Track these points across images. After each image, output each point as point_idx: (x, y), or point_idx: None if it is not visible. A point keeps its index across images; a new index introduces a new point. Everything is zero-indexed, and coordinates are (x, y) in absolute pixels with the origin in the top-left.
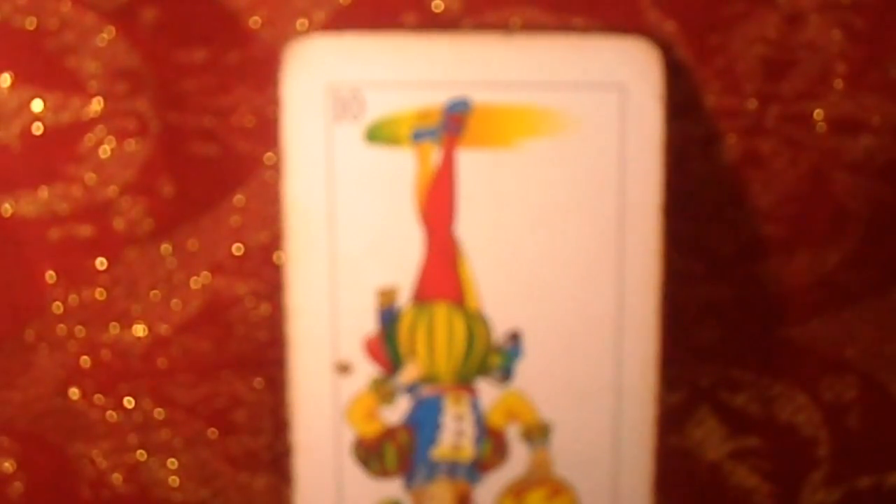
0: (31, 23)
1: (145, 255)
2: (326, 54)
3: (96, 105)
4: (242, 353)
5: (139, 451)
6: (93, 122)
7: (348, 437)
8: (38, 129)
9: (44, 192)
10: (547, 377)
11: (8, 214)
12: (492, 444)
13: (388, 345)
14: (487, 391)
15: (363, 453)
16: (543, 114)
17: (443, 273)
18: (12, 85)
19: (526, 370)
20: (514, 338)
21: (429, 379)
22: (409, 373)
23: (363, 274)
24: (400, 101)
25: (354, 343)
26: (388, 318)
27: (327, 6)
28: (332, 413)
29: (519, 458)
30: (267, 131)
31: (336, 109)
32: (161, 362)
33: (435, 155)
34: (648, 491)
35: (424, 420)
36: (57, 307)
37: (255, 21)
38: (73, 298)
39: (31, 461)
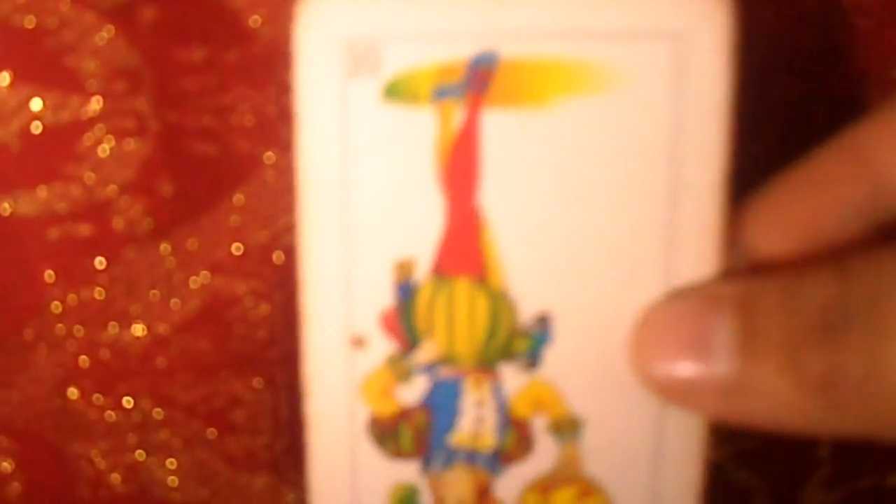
0: (29, 21)
1: (144, 255)
2: (340, 6)
3: (95, 104)
4: (242, 352)
5: (138, 451)
6: (92, 122)
7: (363, 414)
8: (36, 128)
9: (42, 192)
10: (579, 367)
11: (6, 214)
12: (515, 435)
13: (404, 320)
14: (512, 377)
15: (378, 432)
16: (582, 68)
17: (464, 246)
18: (11, 84)
19: (555, 357)
20: (543, 321)
21: (448, 359)
22: (427, 351)
23: (380, 244)
24: (420, 55)
25: (370, 317)
26: (406, 291)
27: None
28: (346, 389)
29: (545, 453)
30: (267, 131)
31: (350, 65)
32: (160, 362)
33: (458, 115)
34: (695, 501)
35: (442, 403)
36: (56, 307)
37: (255, 20)
38: (71, 298)
39: (29, 461)
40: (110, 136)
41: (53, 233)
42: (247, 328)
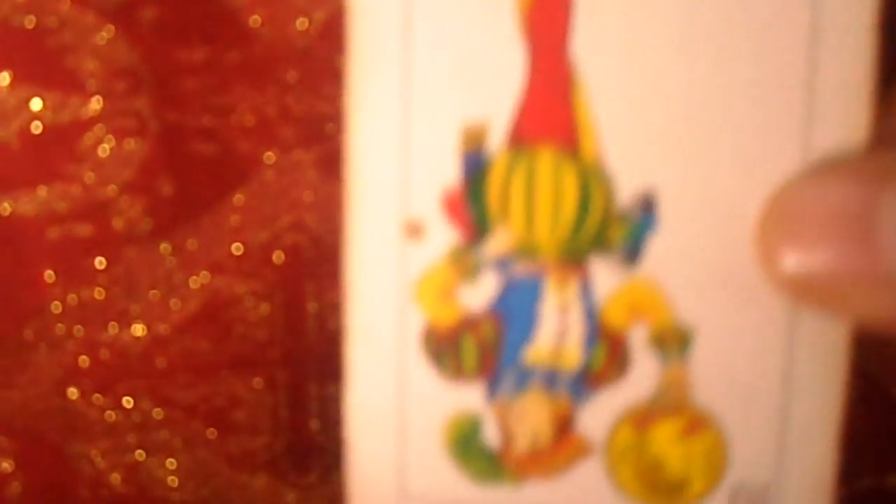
0: (30, 21)
1: (144, 255)
2: None
3: (95, 104)
4: (242, 352)
5: (138, 451)
6: (92, 121)
7: (416, 323)
8: (36, 128)
9: (42, 192)
10: (690, 262)
11: (6, 213)
12: (607, 350)
13: (472, 202)
14: (605, 276)
15: (434, 346)
16: None
17: (550, 108)
18: (11, 84)
19: (661, 250)
20: (647, 203)
21: (525, 252)
22: (500, 241)
23: (444, 105)
24: None
25: (430, 197)
26: (475, 165)
27: (328, 5)
28: (396, 290)
29: (644, 374)
30: (267, 131)
31: None
32: (160, 362)
33: None
34: (833, 441)
35: (516, 308)
36: (56, 306)
37: (255, 20)
38: (71, 298)
39: (29, 461)
40: (110, 136)
41: (53, 233)
42: (247, 328)
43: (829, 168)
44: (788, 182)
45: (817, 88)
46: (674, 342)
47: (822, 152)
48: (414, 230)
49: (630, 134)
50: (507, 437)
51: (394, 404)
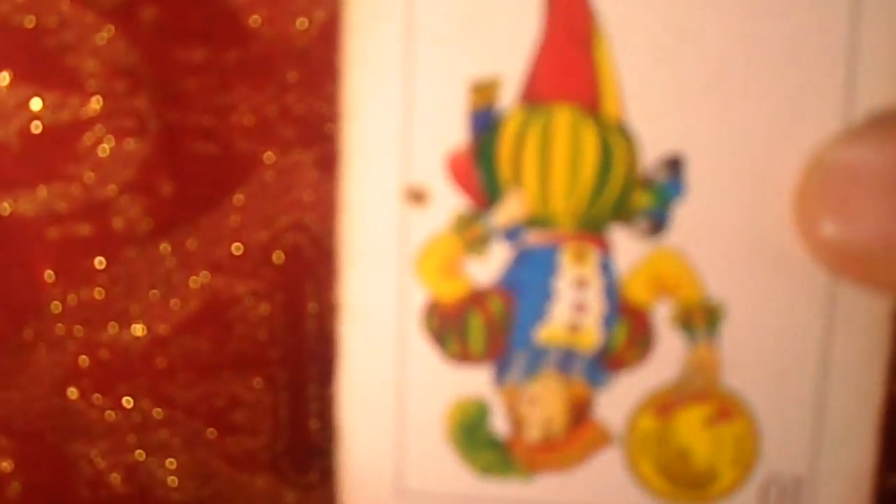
0: (29, 21)
1: (144, 255)
2: None
3: (95, 104)
4: (242, 352)
5: (138, 451)
6: (92, 121)
7: (418, 298)
8: (36, 127)
9: (42, 192)
10: (721, 232)
11: (6, 213)
12: (628, 329)
13: (481, 165)
14: (627, 247)
15: (437, 324)
16: None
17: (568, 62)
18: (11, 83)
19: (688, 218)
20: (674, 166)
21: (539, 220)
22: (511, 208)
23: (451, 57)
24: None
25: (434, 160)
26: (484, 123)
27: (328, 5)
28: (397, 262)
29: (669, 356)
30: (267, 131)
31: None
32: (160, 362)
33: None
34: (873, 431)
35: (529, 282)
36: (55, 306)
37: (254, 20)
38: (71, 298)
39: (29, 461)
40: (110, 136)
41: (53, 233)
42: (247, 328)
43: (876, 126)
44: (830, 142)
45: (861, 40)
46: (702, 320)
47: (867, 110)
48: (416, 196)
49: (656, 91)
50: (517, 425)
51: (392, 388)
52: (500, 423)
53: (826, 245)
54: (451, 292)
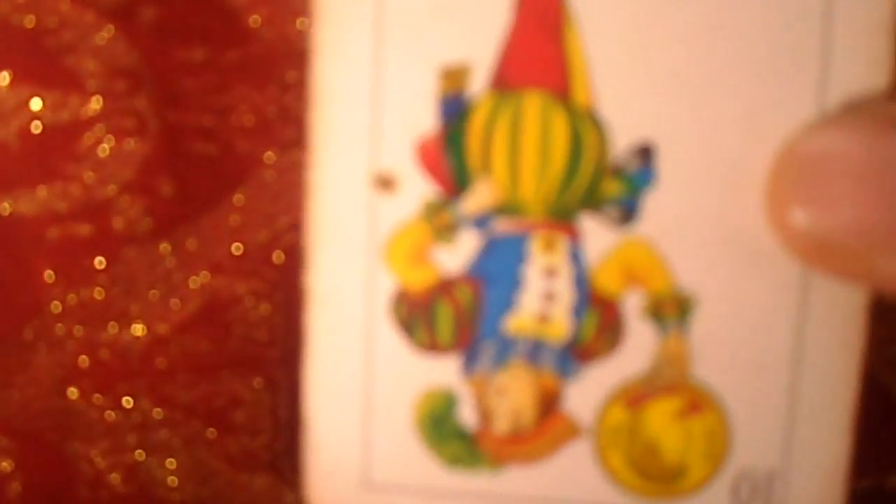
0: (29, 21)
1: (144, 255)
2: None
3: (95, 104)
4: (241, 352)
5: (138, 451)
6: (92, 121)
7: (386, 287)
8: (36, 127)
9: (42, 191)
10: (692, 221)
11: (6, 213)
12: (598, 320)
13: (450, 151)
14: (597, 236)
15: (405, 313)
16: None
17: (539, 48)
18: (11, 83)
19: (659, 207)
20: (645, 154)
21: (509, 208)
22: (480, 196)
23: (421, 43)
24: None
25: (402, 147)
26: (454, 110)
27: None
28: (364, 249)
29: (639, 347)
30: (267, 131)
31: None
32: (160, 362)
33: None
34: (847, 425)
35: (498, 271)
36: (55, 306)
37: (254, 20)
38: (71, 298)
39: (29, 461)
40: (110, 136)
41: (53, 233)
42: (247, 328)
43: (850, 114)
44: (803, 130)
45: (835, 26)
46: (672, 311)
47: (841, 97)
48: (385, 183)
49: (627, 78)
50: (486, 416)
51: (359, 378)
52: (468, 415)
53: (797, 235)
54: (419, 280)
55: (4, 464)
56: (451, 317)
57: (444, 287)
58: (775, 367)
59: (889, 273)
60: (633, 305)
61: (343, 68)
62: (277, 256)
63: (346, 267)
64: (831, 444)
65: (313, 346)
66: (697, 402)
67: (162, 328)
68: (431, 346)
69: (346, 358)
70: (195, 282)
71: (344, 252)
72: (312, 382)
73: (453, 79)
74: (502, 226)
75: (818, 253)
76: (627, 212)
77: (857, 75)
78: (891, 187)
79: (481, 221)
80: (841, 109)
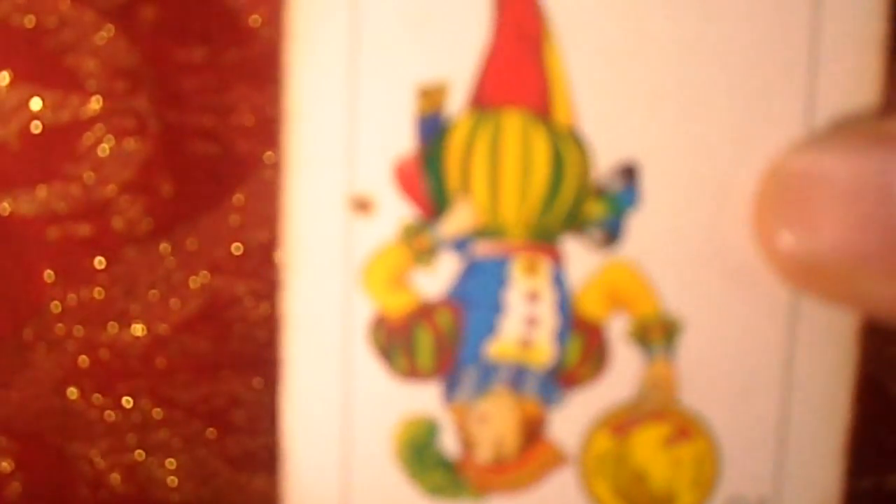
0: (29, 21)
1: (144, 255)
2: None
3: (95, 104)
4: (241, 352)
5: (137, 451)
6: (92, 121)
7: (364, 312)
8: (36, 127)
9: (42, 191)
10: (678, 242)
11: (6, 213)
12: (582, 345)
13: (429, 172)
14: (580, 258)
15: (384, 339)
16: None
17: (519, 66)
18: (11, 83)
19: (644, 229)
20: (629, 174)
21: (489, 230)
22: (459, 218)
23: (398, 61)
24: None
25: (380, 167)
26: (432, 130)
27: None
28: (341, 274)
29: (625, 372)
30: (267, 131)
31: None
32: (160, 362)
33: None
34: (838, 451)
35: (479, 295)
36: (55, 306)
37: (255, 20)
38: (71, 298)
39: (29, 461)
40: (110, 136)
41: (53, 233)
42: (247, 328)
43: (838, 133)
44: (790, 151)
45: (823, 43)
46: (658, 335)
47: (830, 115)
48: (362, 205)
49: (609, 96)
50: (468, 444)
51: (337, 406)
52: (449, 443)
53: (785, 259)
54: (398, 305)
55: (4, 464)
56: (432, 342)
57: (424, 312)
58: (765, 392)
59: (878, 296)
60: (618, 330)
61: (317, 88)
62: (277, 256)
63: (323, 292)
64: (823, 471)
65: (289, 374)
66: (685, 428)
67: (162, 328)
68: (411, 372)
69: (324, 386)
70: (195, 282)
71: (320, 277)
72: (289, 411)
73: (431, 98)
74: (483, 248)
75: (806, 275)
76: (611, 233)
77: (846, 93)
78: (879, 209)
79: (461, 244)
80: (829, 128)
